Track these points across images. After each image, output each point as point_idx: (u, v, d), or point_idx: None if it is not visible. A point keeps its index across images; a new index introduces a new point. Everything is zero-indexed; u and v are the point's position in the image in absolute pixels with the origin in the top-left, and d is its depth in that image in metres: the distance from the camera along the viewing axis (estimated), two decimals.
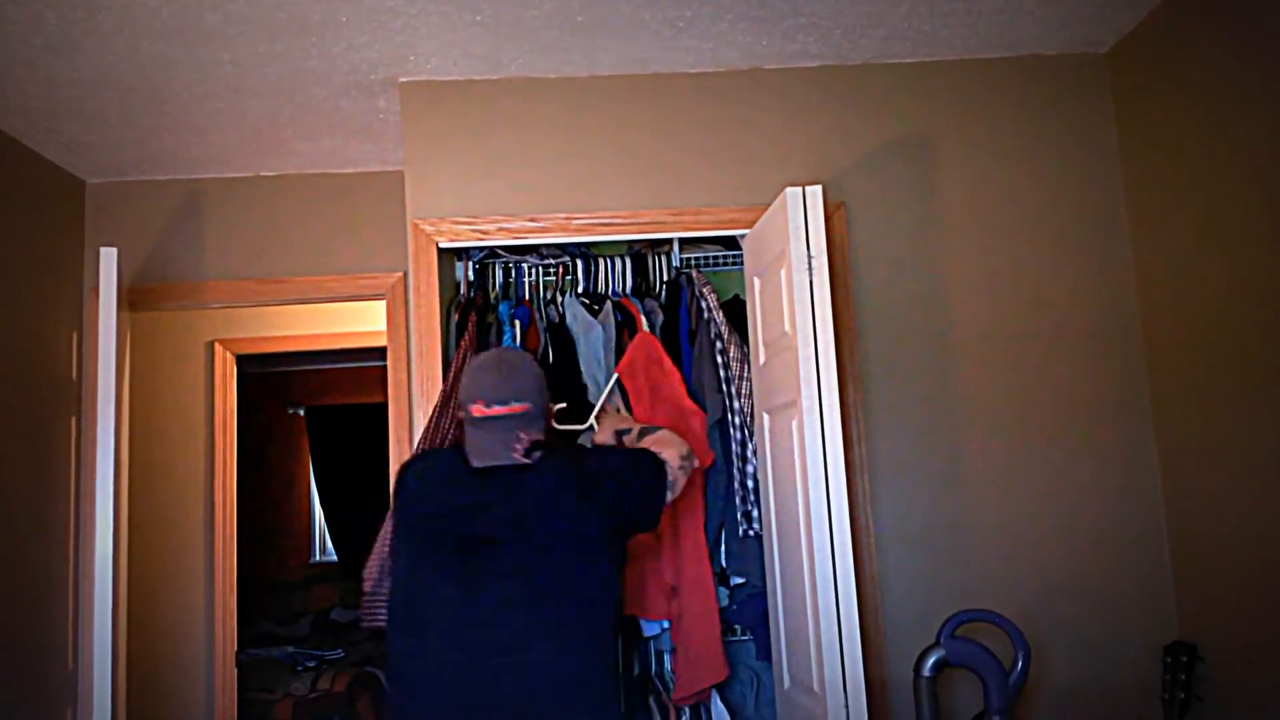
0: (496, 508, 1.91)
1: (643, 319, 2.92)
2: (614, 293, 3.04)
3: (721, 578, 2.80)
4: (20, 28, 2.37)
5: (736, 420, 2.74)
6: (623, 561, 2.04)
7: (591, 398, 2.84)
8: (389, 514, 2.27)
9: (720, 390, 2.77)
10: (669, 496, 2.04)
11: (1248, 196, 2.29)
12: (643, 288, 3.08)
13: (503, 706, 1.81)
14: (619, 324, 2.92)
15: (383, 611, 2.53)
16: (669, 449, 2.10)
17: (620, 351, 2.87)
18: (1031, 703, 2.62)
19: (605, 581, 1.92)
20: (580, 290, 3.03)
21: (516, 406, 1.97)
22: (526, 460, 1.96)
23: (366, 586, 2.56)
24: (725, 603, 2.81)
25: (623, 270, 3.06)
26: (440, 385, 2.71)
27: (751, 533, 2.70)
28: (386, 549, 2.54)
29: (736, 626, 2.85)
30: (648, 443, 2.16)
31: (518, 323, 2.96)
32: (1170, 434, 2.66)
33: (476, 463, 1.98)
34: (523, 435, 1.97)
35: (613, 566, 1.95)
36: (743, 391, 2.76)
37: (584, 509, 1.91)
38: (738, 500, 2.72)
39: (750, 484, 2.72)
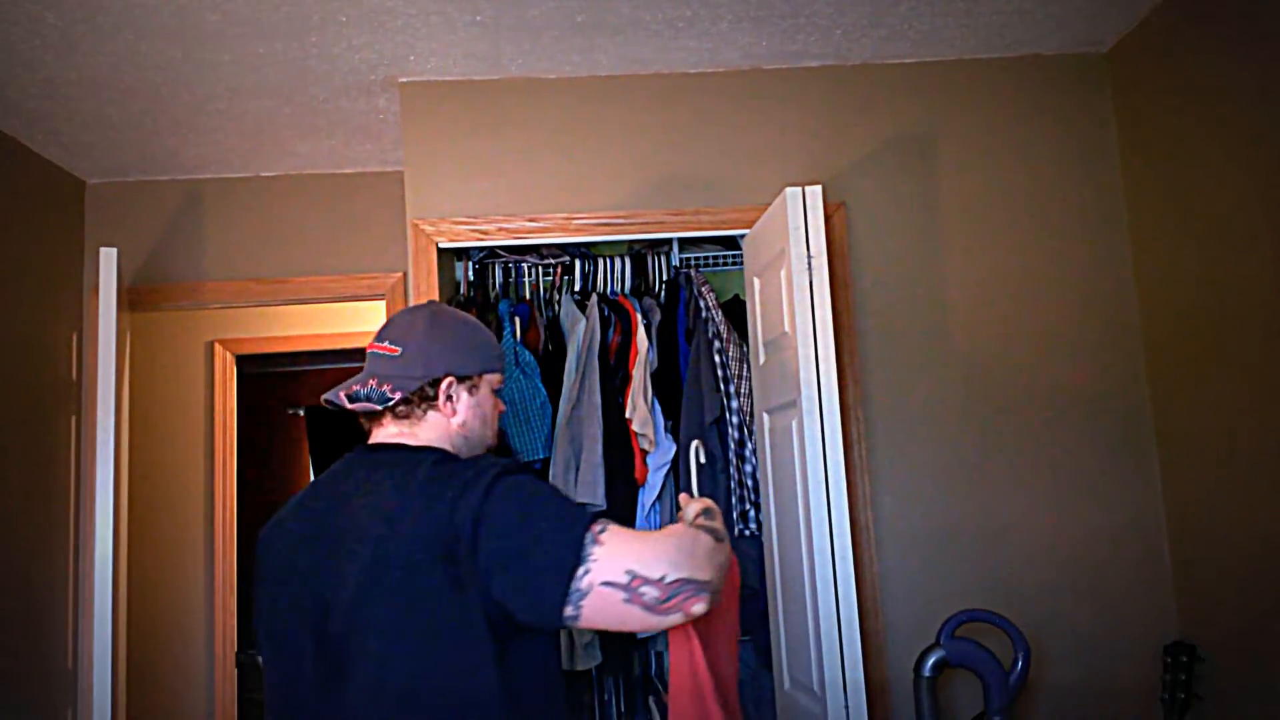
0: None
1: (638, 317, 2.92)
2: (612, 292, 3.05)
3: None
4: (20, 28, 2.37)
5: (735, 420, 2.75)
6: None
7: (569, 389, 2.81)
8: None
9: (718, 389, 2.77)
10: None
11: (1248, 196, 2.28)
12: (642, 287, 3.08)
13: None
14: (605, 319, 2.92)
15: None
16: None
17: (604, 347, 2.86)
18: (1031, 703, 2.62)
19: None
20: (579, 290, 3.04)
21: (390, 347, 1.46)
22: (350, 406, 1.47)
23: None
24: None
25: (622, 270, 3.06)
26: None
27: (749, 533, 2.70)
28: None
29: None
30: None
31: (517, 320, 2.96)
32: (1170, 434, 2.66)
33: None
34: (372, 379, 1.46)
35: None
36: (741, 391, 2.76)
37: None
38: (735, 500, 2.72)
39: (749, 483, 2.72)
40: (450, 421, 1.47)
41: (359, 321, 4.22)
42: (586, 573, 1.19)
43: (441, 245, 2.75)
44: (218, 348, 4.26)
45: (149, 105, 2.85)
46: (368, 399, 1.46)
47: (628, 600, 1.20)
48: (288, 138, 3.17)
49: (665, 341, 2.93)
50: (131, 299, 3.30)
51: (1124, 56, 2.77)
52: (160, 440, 4.16)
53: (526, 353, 2.92)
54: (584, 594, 1.20)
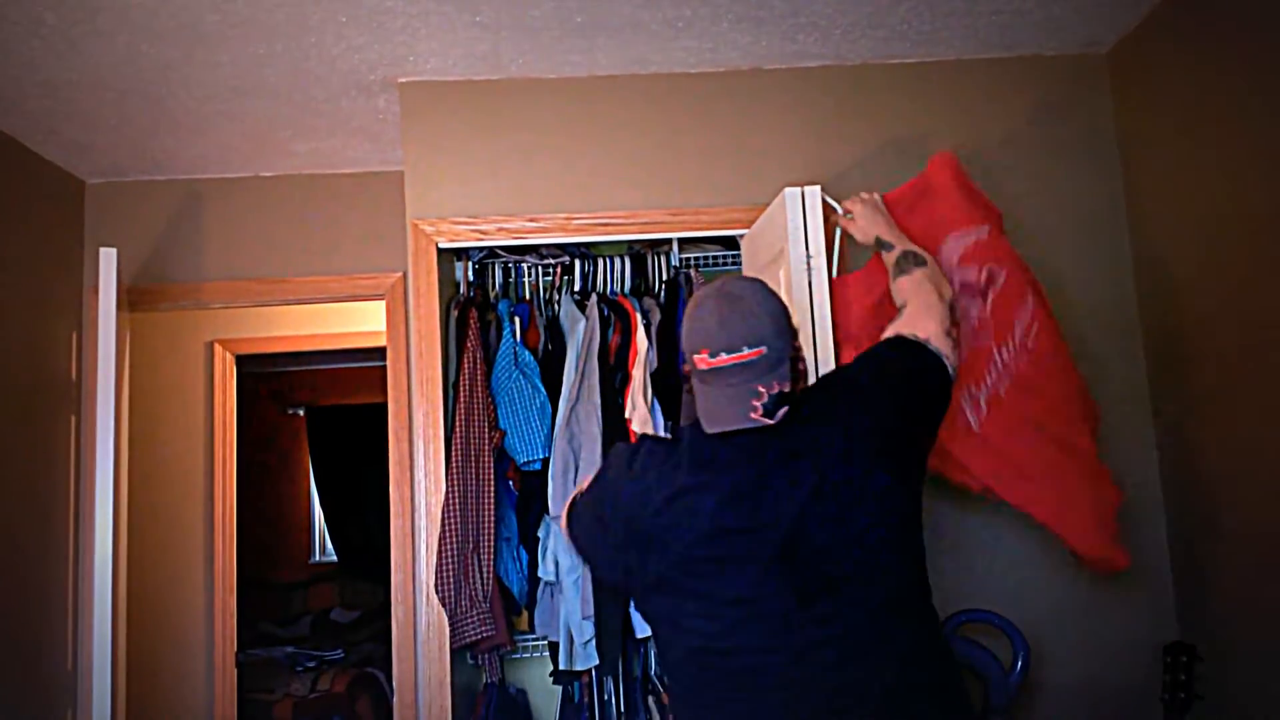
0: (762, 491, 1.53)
1: (638, 316, 2.92)
2: (612, 292, 3.05)
3: None
4: (20, 29, 2.37)
5: None
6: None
7: (569, 389, 2.81)
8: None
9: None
10: (949, 376, 1.68)
11: (1248, 196, 2.28)
12: (642, 287, 3.08)
13: None
14: (605, 319, 2.92)
15: (473, 624, 2.52)
16: (925, 321, 1.74)
17: (604, 347, 2.86)
18: (1031, 703, 2.62)
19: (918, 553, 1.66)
20: (578, 290, 3.04)
21: (749, 353, 1.56)
22: (769, 420, 1.55)
23: (446, 606, 2.57)
24: None
25: (622, 270, 3.06)
26: (461, 398, 2.72)
27: None
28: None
29: None
30: (902, 309, 1.83)
31: (517, 319, 2.96)
32: (1170, 434, 2.66)
33: (710, 428, 1.60)
34: (760, 388, 1.56)
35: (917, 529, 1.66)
36: None
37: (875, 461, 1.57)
38: None
39: None
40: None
41: (359, 321, 4.22)
42: None
43: (441, 245, 2.75)
44: (218, 348, 4.26)
45: (149, 105, 2.85)
46: (778, 401, 1.57)
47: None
48: (288, 138, 3.17)
49: (665, 341, 2.92)
50: (131, 299, 3.30)
51: (1124, 56, 2.77)
52: (160, 440, 4.15)
53: (526, 353, 2.92)
54: None
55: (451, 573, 2.59)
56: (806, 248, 2.25)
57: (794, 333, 1.64)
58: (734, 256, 3.11)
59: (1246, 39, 2.26)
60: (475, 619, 2.59)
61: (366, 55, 2.63)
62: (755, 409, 1.55)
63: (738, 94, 2.83)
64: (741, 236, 2.80)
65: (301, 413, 6.62)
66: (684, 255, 3.09)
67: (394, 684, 3.17)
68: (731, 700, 1.56)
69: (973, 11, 2.56)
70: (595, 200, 2.77)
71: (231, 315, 4.22)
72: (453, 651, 2.63)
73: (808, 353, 2.18)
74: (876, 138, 2.81)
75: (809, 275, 2.24)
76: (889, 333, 1.79)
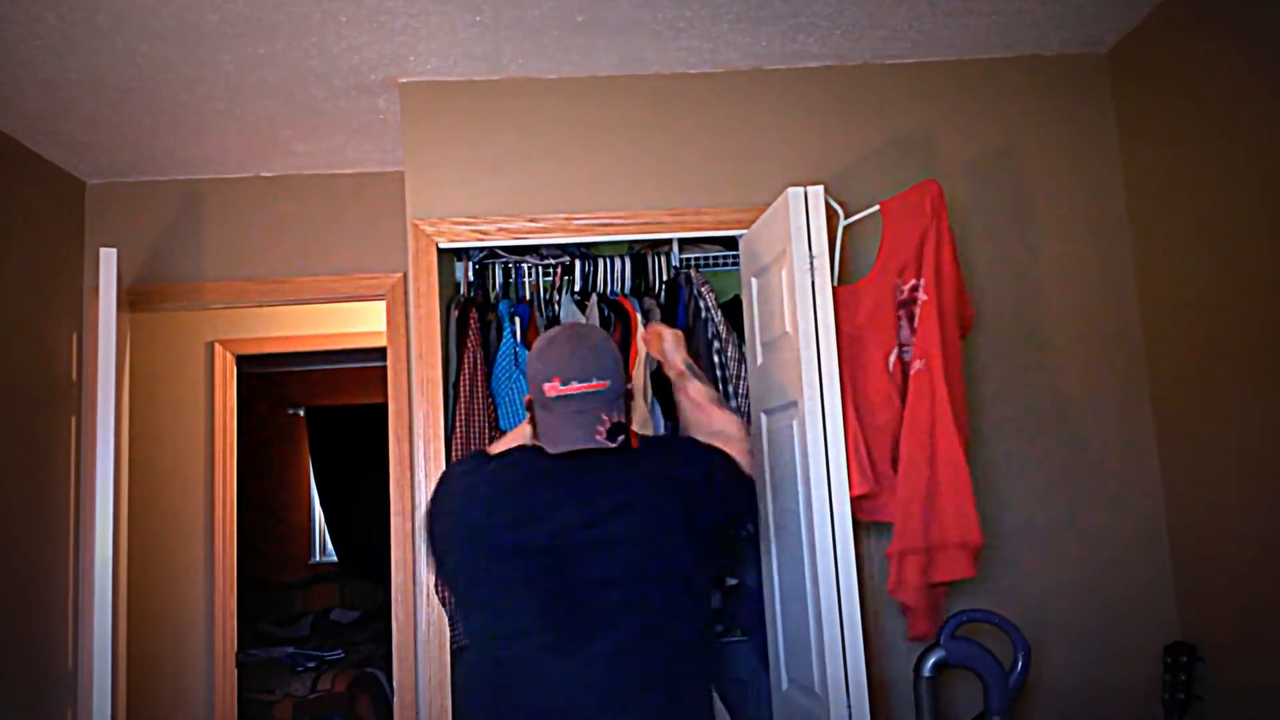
0: (598, 501, 1.76)
1: (638, 316, 2.92)
2: (612, 292, 3.05)
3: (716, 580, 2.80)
4: (20, 28, 2.37)
5: None
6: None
7: None
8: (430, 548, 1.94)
9: (717, 389, 2.77)
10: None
11: (1248, 196, 2.29)
12: (642, 288, 3.08)
13: None
14: (605, 319, 2.92)
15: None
16: (735, 446, 2.03)
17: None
18: (1031, 703, 2.62)
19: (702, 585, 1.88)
20: (578, 290, 3.04)
21: (596, 384, 1.81)
22: (610, 444, 1.82)
23: (447, 607, 2.57)
24: (719, 605, 2.81)
25: (622, 270, 3.06)
26: (461, 398, 2.72)
27: (745, 534, 2.70)
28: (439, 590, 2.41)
29: (735, 628, 2.85)
30: (714, 434, 2.07)
31: (518, 320, 2.96)
32: (1170, 434, 2.66)
33: (552, 449, 1.83)
34: (603, 415, 1.82)
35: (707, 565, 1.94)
36: (740, 390, 2.76)
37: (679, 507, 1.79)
38: None
39: None
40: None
41: (359, 322, 4.22)
42: None
43: (441, 245, 2.75)
44: (218, 348, 4.26)
45: (149, 105, 2.85)
46: (616, 429, 1.84)
47: None
48: (288, 138, 3.17)
49: None
50: (131, 299, 3.30)
51: (1124, 56, 2.77)
52: (160, 440, 4.16)
53: (527, 354, 2.91)
54: None
55: None
56: (810, 248, 2.25)
57: (627, 376, 1.94)
58: (734, 256, 3.11)
59: (1246, 39, 2.26)
60: None
61: (367, 55, 2.63)
62: (599, 432, 1.81)
63: (738, 94, 2.83)
64: (741, 237, 2.80)
65: (301, 413, 6.62)
66: (684, 255, 3.09)
67: (394, 684, 3.17)
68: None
69: (973, 11, 2.56)
70: (595, 200, 2.77)
71: (231, 315, 4.22)
72: (453, 652, 2.63)
73: (808, 353, 2.20)
74: (876, 138, 2.82)
75: (812, 276, 2.24)
76: (724, 448, 1.99)
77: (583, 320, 2.88)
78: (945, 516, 2.33)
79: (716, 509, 1.91)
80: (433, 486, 2.03)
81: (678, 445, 2.11)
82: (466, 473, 1.92)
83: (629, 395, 1.90)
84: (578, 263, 3.05)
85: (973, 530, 2.32)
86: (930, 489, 2.35)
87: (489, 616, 1.79)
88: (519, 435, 2.06)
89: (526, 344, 2.95)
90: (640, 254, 3.11)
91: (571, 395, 1.80)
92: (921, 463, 2.35)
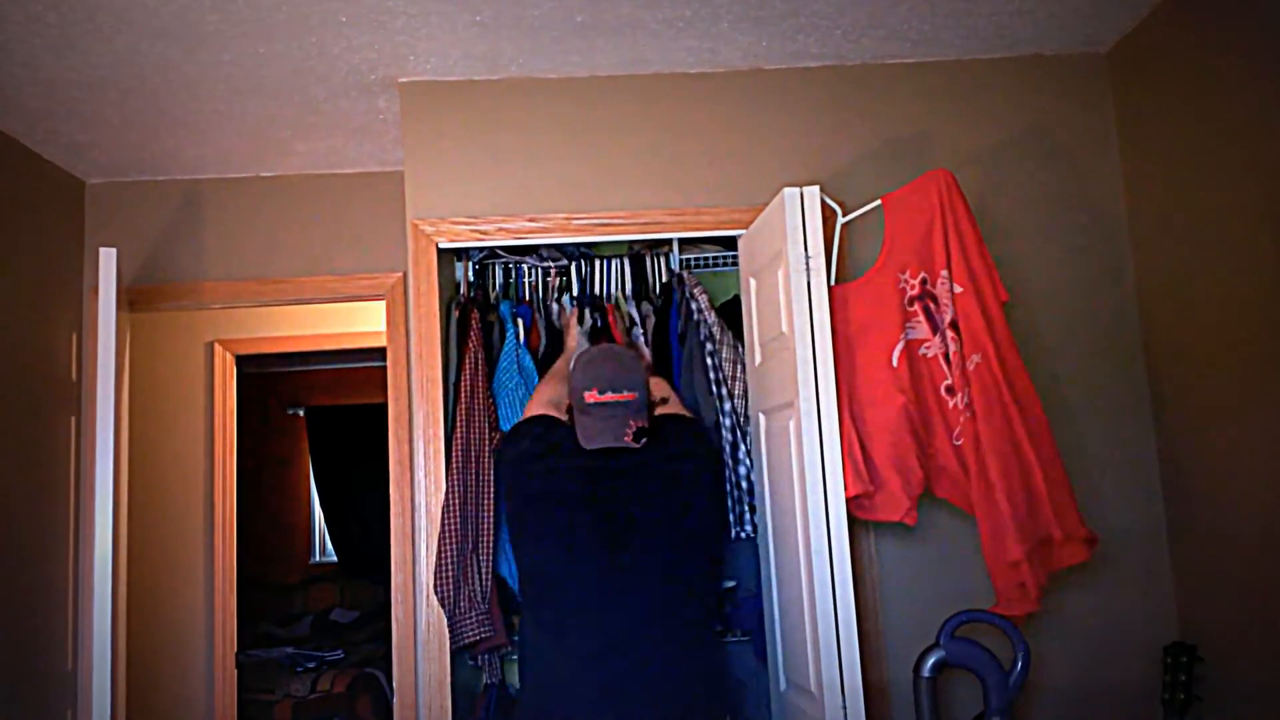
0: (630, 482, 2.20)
1: (616, 322, 2.93)
2: (609, 294, 3.05)
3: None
4: (20, 28, 2.37)
5: (728, 422, 2.73)
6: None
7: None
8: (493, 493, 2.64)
9: (711, 392, 2.77)
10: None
11: (1248, 196, 2.28)
12: (642, 289, 3.08)
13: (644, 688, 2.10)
14: (597, 329, 2.93)
15: (472, 625, 2.56)
16: None
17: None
18: (1031, 703, 2.62)
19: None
20: (577, 291, 3.04)
21: (628, 394, 2.22)
22: (635, 445, 2.20)
23: (446, 607, 2.57)
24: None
25: (621, 271, 3.06)
26: (462, 398, 2.72)
27: (744, 535, 2.70)
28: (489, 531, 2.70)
29: (734, 629, 2.85)
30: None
31: (520, 321, 2.96)
32: (1170, 434, 2.66)
33: (587, 445, 2.22)
34: (631, 422, 2.21)
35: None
36: (735, 392, 2.75)
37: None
38: (731, 502, 2.71)
39: (744, 485, 2.71)
40: None
41: (359, 322, 4.22)
42: None
43: (441, 245, 2.75)
44: (218, 348, 4.27)
45: (149, 105, 2.86)
46: (641, 433, 2.24)
47: None
48: (288, 138, 3.18)
49: (660, 344, 2.93)
50: (131, 299, 3.30)
51: (1124, 56, 2.77)
52: (160, 440, 4.16)
53: (527, 355, 2.92)
54: None
55: (451, 573, 2.59)
56: (805, 248, 2.25)
57: (650, 388, 2.35)
58: (733, 257, 3.11)
59: (1246, 38, 2.26)
60: (474, 620, 2.59)
61: (367, 55, 2.63)
62: (628, 434, 2.21)
63: (738, 94, 2.83)
64: (740, 236, 2.80)
65: (301, 413, 6.62)
66: (684, 256, 3.09)
67: (394, 684, 3.17)
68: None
69: (973, 11, 2.56)
70: (595, 200, 2.77)
71: (231, 315, 4.22)
72: (453, 652, 2.63)
73: (804, 353, 2.22)
74: (876, 138, 2.82)
75: (808, 276, 2.24)
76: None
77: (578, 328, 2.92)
78: (1050, 507, 2.24)
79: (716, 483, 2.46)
80: (494, 459, 2.67)
81: (687, 429, 2.44)
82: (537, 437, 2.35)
83: (653, 405, 2.31)
84: (573, 265, 3.05)
85: (1078, 524, 2.27)
86: (1025, 482, 2.24)
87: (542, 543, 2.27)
88: (542, 401, 2.47)
89: (528, 345, 2.96)
90: (639, 255, 3.11)
91: (606, 403, 2.21)
92: (1009, 455, 2.25)
